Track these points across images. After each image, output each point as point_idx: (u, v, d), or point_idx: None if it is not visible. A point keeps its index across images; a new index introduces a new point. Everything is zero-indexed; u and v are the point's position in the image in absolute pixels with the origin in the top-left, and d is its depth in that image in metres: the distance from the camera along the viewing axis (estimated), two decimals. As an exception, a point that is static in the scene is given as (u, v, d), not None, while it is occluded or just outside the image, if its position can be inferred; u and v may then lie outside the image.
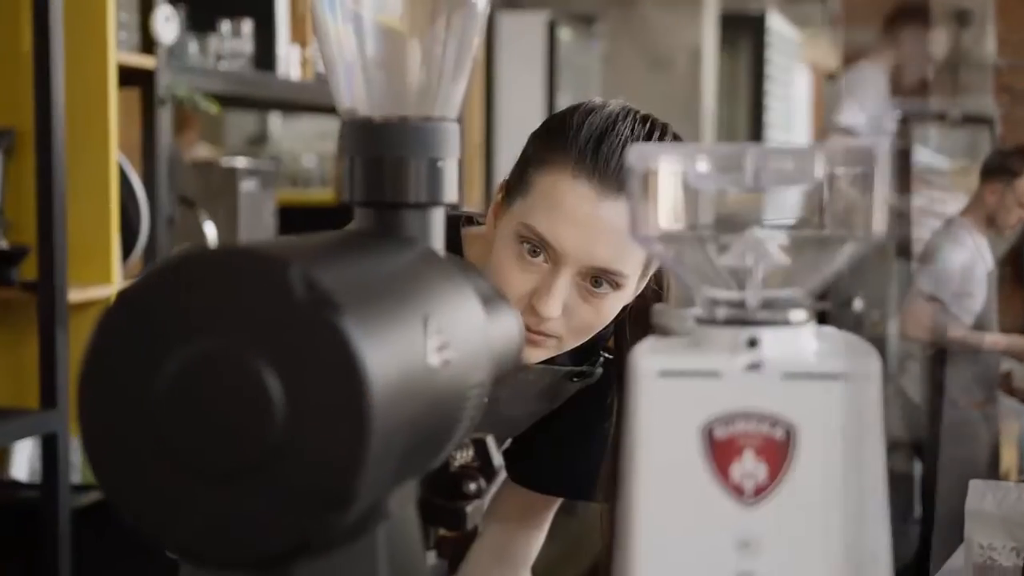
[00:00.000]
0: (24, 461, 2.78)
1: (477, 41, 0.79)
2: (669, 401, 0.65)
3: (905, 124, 4.52)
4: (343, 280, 0.61)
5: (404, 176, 0.74)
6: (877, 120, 4.30)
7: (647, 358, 0.66)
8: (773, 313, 0.67)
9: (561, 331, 1.28)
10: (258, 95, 3.27)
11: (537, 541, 1.55)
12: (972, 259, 4.22)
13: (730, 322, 0.67)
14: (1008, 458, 4.42)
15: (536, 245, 1.25)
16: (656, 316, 0.75)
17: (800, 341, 0.67)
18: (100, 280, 2.49)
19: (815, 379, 0.64)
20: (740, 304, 0.68)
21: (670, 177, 0.67)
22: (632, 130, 1.25)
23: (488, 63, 4.66)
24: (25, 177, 2.40)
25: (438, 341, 0.66)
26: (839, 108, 4.29)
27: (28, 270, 2.39)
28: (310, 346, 0.58)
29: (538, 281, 1.25)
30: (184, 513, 0.60)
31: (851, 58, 9.61)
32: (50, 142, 2.31)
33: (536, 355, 1.30)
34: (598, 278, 1.25)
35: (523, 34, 5.30)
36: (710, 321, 0.67)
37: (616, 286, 1.26)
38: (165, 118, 2.68)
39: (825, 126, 4.31)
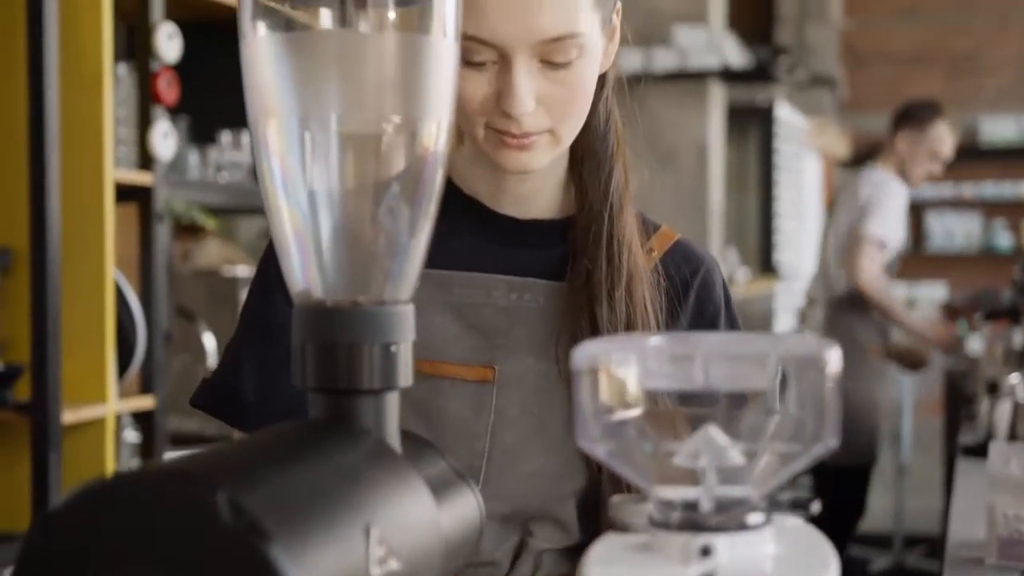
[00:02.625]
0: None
1: (432, 211, 0.76)
2: (620, 614, 0.63)
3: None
4: (276, 498, 0.59)
5: (358, 362, 0.72)
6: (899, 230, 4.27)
7: (597, 567, 0.63)
8: (728, 516, 0.65)
9: (547, 123, 1.15)
10: (258, 205, 3.28)
11: None
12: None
13: (683, 526, 0.64)
14: None
15: (474, 53, 1.11)
16: (612, 510, 0.73)
17: (757, 547, 0.64)
18: (95, 399, 2.48)
19: (770, 592, 0.62)
20: (694, 505, 0.65)
21: (618, 375, 0.65)
22: None
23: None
24: (21, 296, 2.40)
25: (381, 550, 0.64)
26: (865, 217, 4.22)
27: (22, 389, 2.37)
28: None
29: (496, 83, 1.13)
30: None
31: (861, 144, 9.66)
32: (45, 262, 2.31)
33: (537, 159, 1.17)
34: (554, 55, 1.12)
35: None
36: (663, 524, 0.65)
37: (579, 50, 1.13)
38: (163, 233, 2.69)
39: (855, 235, 4.19)
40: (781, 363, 0.64)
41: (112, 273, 2.49)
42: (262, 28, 0.73)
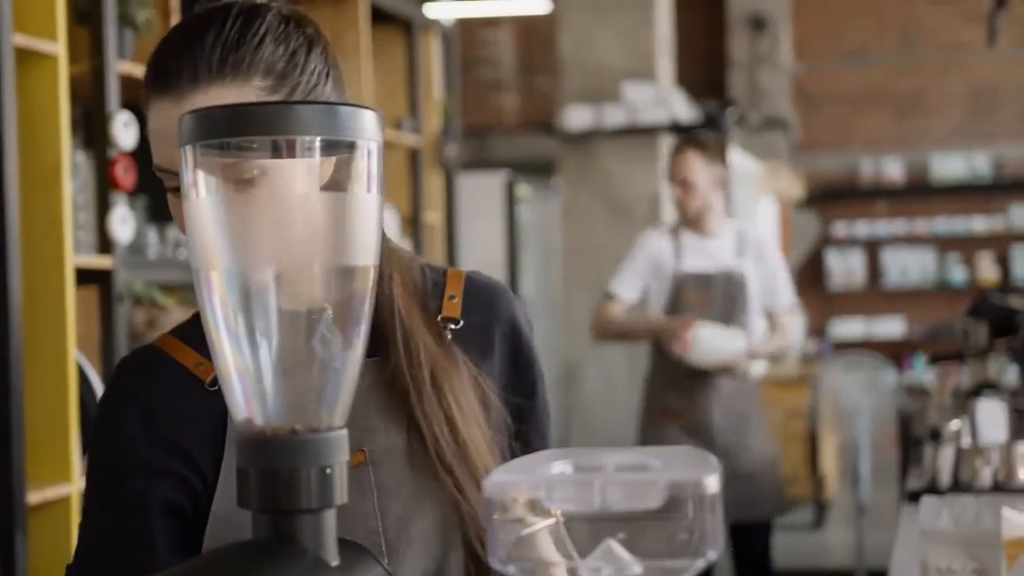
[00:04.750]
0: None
1: (362, 341, 0.85)
2: None
3: None
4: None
5: (296, 485, 0.81)
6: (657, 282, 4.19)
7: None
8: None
9: None
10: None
11: None
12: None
13: (586, 632, 0.73)
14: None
15: (168, 180, 1.21)
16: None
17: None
18: (59, 479, 2.54)
19: None
20: (596, 613, 0.74)
21: (525, 502, 0.74)
22: (187, 27, 1.22)
23: (449, 222, 4.77)
24: (-15, 380, 2.45)
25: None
26: (616, 275, 4.24)
27: (-13, 473, 2.43)
28: None
29: None
30: None
31: (815, 184, 9.78)
32: (8, 346, 2.38)
33: None
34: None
35: (483, 193, 5.47)
36: (569, 631, 0.73)
37: (260, 169, 1.16)
38: (123, 314, 2.76)
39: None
40: (667, 488, 0.72)
41: (74, 355, 2.56)
42: (203, 191, 0.81)
